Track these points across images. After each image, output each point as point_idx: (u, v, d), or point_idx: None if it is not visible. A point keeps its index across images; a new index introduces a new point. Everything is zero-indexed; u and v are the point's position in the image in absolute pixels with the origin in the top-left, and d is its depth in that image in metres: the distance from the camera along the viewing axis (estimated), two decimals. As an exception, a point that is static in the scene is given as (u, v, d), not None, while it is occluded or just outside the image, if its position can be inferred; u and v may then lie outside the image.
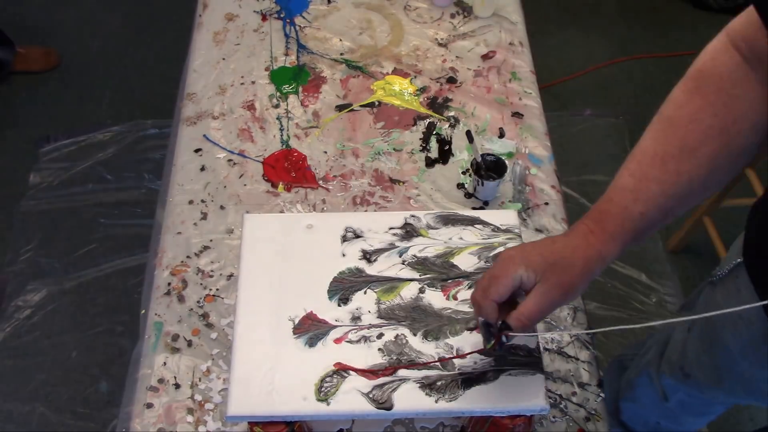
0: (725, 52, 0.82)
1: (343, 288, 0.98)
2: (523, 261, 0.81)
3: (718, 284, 1.16)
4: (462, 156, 1.43)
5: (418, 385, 0.89)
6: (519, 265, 0.81)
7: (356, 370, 0.90)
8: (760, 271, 1.02)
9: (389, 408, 0.88)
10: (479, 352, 0.89)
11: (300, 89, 1.53)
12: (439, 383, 0.90)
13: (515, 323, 0.81)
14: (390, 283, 0.98)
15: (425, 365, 0.91)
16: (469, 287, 0.98)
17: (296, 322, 0.94)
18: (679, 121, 0.83)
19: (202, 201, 1.35)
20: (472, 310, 0.96)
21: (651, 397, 1.44)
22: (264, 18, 1.67)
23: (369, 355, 0.92)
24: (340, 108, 1.50)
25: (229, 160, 1.41)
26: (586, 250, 0.82)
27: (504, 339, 0.83)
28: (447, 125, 1.47)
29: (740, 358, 1.12)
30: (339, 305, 0.96)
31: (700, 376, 1.25)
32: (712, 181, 0.84)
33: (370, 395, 0.88)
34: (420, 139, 1.45)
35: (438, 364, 0.91)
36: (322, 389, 0.89)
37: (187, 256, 1.27)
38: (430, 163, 1.41)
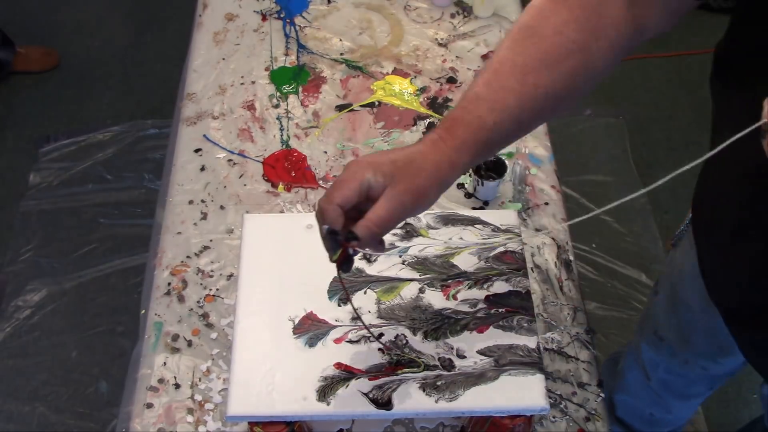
0: None
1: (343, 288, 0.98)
2: (371, 165, 0.77)
3: (678, 245, 1.21)
4: (462, 156, 1.43)
5: (418, 385, 0.89)
6: (366, 168, 0.77)
7: (356, 371, 0.90)
8: (698, 223, 1.04)
9: (389, 408, 0.88)
10: (339, 279, 0.83)
11: (300, 89, 1.53)
12: (439, 383, 0.90)
13: (362, 231, 0.76)
14: (390, 283, 0.98)
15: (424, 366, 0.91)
16: (469, 287, 0.98)
17: (296, 322, 0.94)
18: (543, 32, 0.80)
19: (202, 201, 1.35)
20: (471, 309, 0.96)
21: (638, 380, 1.46)
22: (264, 18, 1.67)
23: (369, 355, 0.92)
24: (340, 108, 1.50)
25: (229, 160, 1.41)
26: (435, 155, 0.79)
27: (350, 251, 0.78)
28: (447, 125, 1.47)
29: (701, 313, 1.15)
30: (339, 305, 0.96)
31: (671, 337, 1.29)
32: (567, 98, 0.83)
33: (370, 395, 0.88)
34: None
35: (438, 363, 0.91)
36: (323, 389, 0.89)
37: (187, 256, 1.27)
38: (430, 163, 1.41)
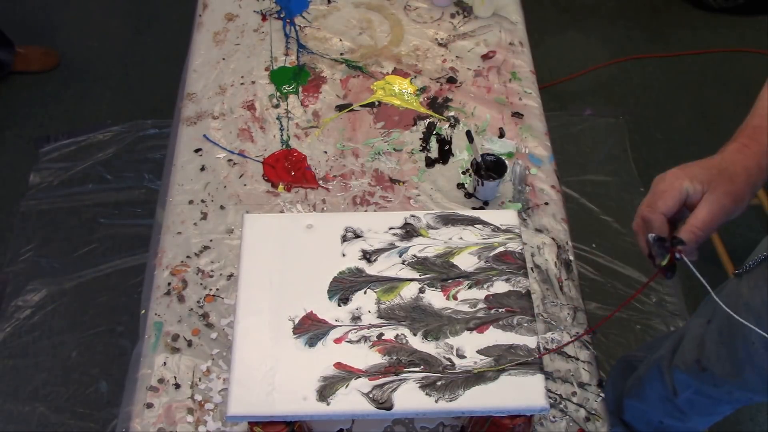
0: None
1: (343, 288, 0.98)
2: (686, 174, 0.82)
3: (744, 276, 1.16)
4: (462, 156, 1.43)
5: (418, 385, 0.89)
6: (683, 178, 0.82)
7: (356, 371, 0.90)
8: None
9: (389, 408, 0.88)
10: (652, 279, 0.86)
11: (300, 89, 1.53)
12: (439, 383, 0.90)
13: (688, 235, 0.81)
14: (390, 283, 0.98)
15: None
16: (469, 287, 0.98)
17: (296, 322, 0.94)
18: None
19: (202, 201, 1.35)
20: (471, 309, 0.96)
21: (659, 393, 1.44)
22: (264, 18, 1.67)
23: (369, 355, 0.92)
24: (340, 108, 1.50)
25: (229, 160, 1.41)
26: (745, 160, 0.83)
27: (678, 256, 0.81)
28: (447, 125, 1.48)
29: (763, 350, 1.12)
30: (339, 305, 0.96)
31: (717, 369, 1.25)
32: None
33: (370, 395, 0.88)
34: (420, 139, 1.45)
35: (438, 363, 0.91)
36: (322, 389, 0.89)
37: (187, 256, 1.27)
38: (430, 163, 1.41)
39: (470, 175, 1.38)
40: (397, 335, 0.94)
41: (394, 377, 0.90)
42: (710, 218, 0.81)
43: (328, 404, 0.88)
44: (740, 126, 0.87)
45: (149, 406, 1.11)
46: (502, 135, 1.46)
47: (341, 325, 0.94)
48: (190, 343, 1.17)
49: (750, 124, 0.86)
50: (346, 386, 0.89)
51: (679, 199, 0.82)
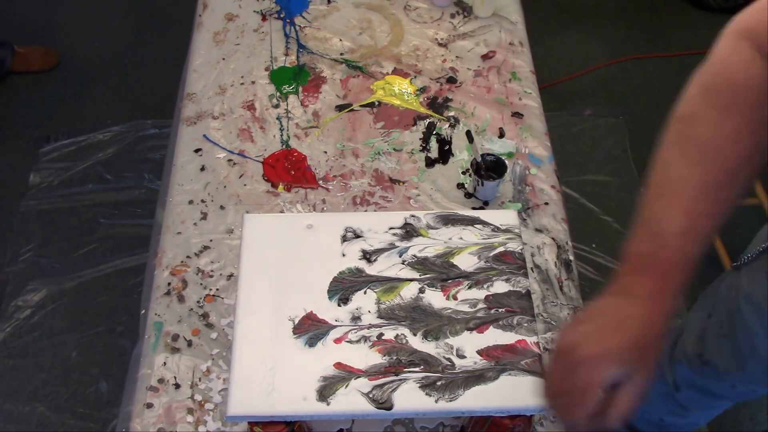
0: (753, 62, 0.78)
1: (343, 288, 0.98)
2: (609, 358, 0.76)
3: (742, 269, 1.16)
4: (462, 156, 1.43)
5: (418, 385, 0.89)
6: (606, 365, 0.76)
7: (356, 371, 0.90)
8: None
9: (389, 408, 0.88)
10: None
11: (300, 89, 1.53)
12: (439, 383, 0.90)
13: (617, 422, 0.78)
14: (390, 283, 0.98)
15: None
16: (469, 287, 0.98)
17: (296, 322, 0.94)
18: (721, 144, 0.78)
19: (202, 201, 1.35)
20: (471, 309, 0.96)
21: (659, 390, 1.44)
22: (264, 18, 1.67)
23: (369, 355, 0.92)
24: (340, 108, 1.50)
25: (229, 160, 1.41)
26: (662, 316, 0.78)
27: None
28: (447, 125, 1.48)
29: (766, 340, 1.11)
30: (339, 305, 0.96)
31: (719, 362, 1.25)
32: (742, 198, 0.82)
33: (370, 395, 0.88)
34: (420, 139, 1.45)
35: (438, 363, 0.91)
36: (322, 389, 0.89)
37: (187, 256, 1.27)
38: (430, 163, 1.41)
39: (470, 175, 1.38)
40: (397, 335, 0.94)
41: (394, 377, 0.90)
42: (637, 401, 0.78)
43: (328, 404, 0.88)
44: (647, 250, 0.80)
45: (149, 406, 1.11)
46: (502, 135, 1.46)
47: (341, 325, 0.94)
48: (190, 343, 1.17)
49: (660, 257, 0.78)
50: (346, 386, 0.89)
51: (599, 393, 0.78)
